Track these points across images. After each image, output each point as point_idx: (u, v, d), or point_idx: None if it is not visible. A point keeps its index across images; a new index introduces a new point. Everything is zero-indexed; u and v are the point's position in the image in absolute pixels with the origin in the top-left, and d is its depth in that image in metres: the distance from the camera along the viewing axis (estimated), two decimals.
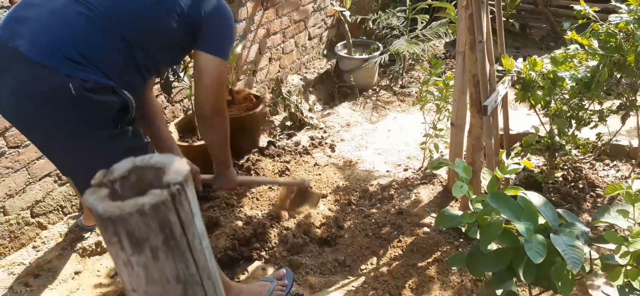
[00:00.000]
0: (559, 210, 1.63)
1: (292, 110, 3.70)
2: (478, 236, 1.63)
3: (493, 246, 1.65)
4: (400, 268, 2.32)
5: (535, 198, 1.59)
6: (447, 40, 5.01)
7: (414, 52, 4.12)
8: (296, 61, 4.22)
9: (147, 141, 1.70)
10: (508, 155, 2.77)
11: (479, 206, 1.66)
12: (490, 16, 2.58)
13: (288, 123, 3.74)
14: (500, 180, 1.69)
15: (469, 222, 1.66)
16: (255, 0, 3.52)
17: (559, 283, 1.51)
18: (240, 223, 2.61)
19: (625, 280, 1.43)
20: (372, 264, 2.37)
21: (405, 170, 3.14)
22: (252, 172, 3.09)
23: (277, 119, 3.74)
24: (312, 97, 4.14)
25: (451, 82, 2.80)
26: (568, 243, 1.46)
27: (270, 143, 3.42)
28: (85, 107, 1.43)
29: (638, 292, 1.41)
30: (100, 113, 1.48)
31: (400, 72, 4.49)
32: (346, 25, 4.31)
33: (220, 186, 2.10)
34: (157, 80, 2.73)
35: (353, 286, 2.23)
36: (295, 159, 3.28)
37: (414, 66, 4.62)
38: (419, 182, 2.98)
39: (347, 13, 4.28)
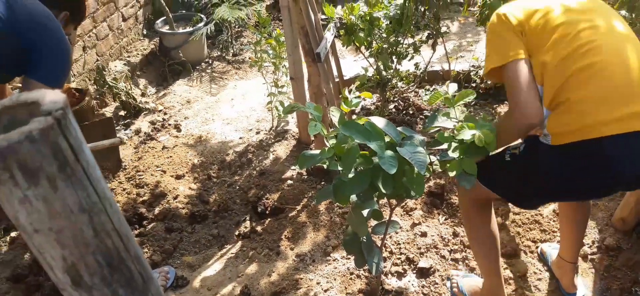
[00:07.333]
0: (399, 128, 1.83)
1: (123, 98, 3.41)
2: (339, 168, 1.76)
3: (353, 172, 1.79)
4: (273, 223, 2.37)
5: (378, 121, 1.77)
6: (268, 3, 5.11)
7: (239, 17, 4.10)
8: (115, 46, 3.87)
9: None
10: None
11: (334, 141, 1.78)
12: None
13: (122, 113, 3.45)
14: (347, 114, 1.83)
15: (328, 156, 1.76)
16: None
17: (413, 186, 1.71)
18: None
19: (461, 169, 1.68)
20: (246, 227, 2.38)
21: (258, 133, 3.17)
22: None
23: (107, 111, 3.42)
24: (143, 81, 3.86)
25: (282, 39, 2.88)
26: (412, 151, 1.67)
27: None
28: None
29: (471, 176, 1.68)
30: None
31: (230, 40, 4.44)
32: (162, 0, 4.08)
33: None
34: None
35: (232, 253, 2.21)
36: (140, 148, 3.05)
37: (242, 32, 4.61)
38: (273, 140, 3.04)
39: None
